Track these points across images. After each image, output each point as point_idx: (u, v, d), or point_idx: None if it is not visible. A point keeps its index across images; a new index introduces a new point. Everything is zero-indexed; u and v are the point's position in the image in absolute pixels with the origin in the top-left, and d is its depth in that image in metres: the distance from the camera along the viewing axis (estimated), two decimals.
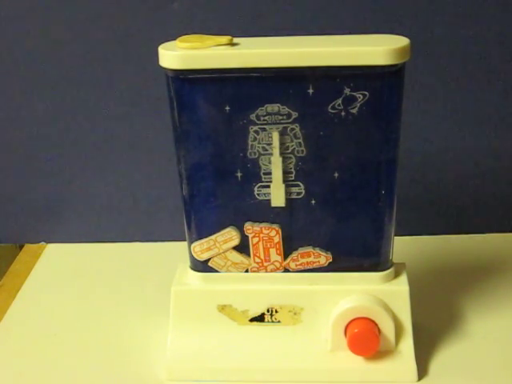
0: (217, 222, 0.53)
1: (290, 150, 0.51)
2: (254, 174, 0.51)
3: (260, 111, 0.49)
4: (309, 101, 0.49)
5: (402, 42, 0.48)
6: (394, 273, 0.54)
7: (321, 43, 0.49)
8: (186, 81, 0.49)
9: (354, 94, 0.49)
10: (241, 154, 0.51)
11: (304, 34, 0.51)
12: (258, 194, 0.52)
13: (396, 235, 0.54)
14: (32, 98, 0.70)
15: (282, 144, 0.50)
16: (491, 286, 0.64)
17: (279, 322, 0.55)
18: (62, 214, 0.74)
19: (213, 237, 0.53)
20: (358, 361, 0.53)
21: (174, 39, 0.50)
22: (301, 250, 0.53)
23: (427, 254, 0.70)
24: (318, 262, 0.54)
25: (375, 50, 0.47)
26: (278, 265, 0.54)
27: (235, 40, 0.50)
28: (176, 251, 0.62)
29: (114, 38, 0.67)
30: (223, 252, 0.54)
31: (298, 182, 0.51)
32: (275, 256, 0.54)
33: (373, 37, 0.50)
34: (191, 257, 0.55)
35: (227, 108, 0.50)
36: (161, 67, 0.49)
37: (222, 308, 0.55)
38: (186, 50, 0.48)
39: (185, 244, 0.55)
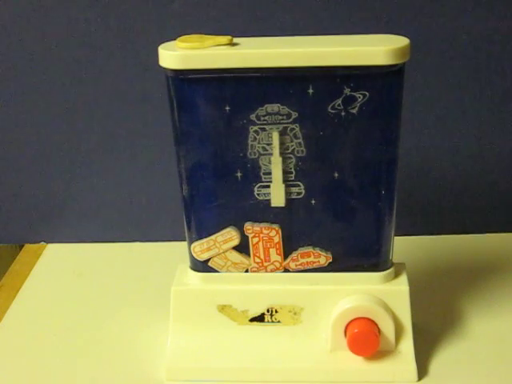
0: (217, 222, 0.53)
1: (289, 150, 0.51)
2: (254, 174, 0.51)
3: (260, 111, 0.49)
4: (309, 101, 0.49)
5: (402, 42, 0.48)
6: (394, 273, 0.54)
7: (321, 43, 0.49)
8: (186, 81, 0.49)
9: (354, 94, 0.49)
10: (241, 154, 0.51)
11: (304, 34, 0.51)
12: (258, 194, 0.52)
13: (396, 235, 0.54)
14: (32, 98, 0.70)
15: (281, 144, 0.50)
16: (491, 286, 0.64)
17: (279, 322, 0.55)
18: (62, 214, 0.74)
19: (213, 237, 0.53)
20: (358, 361, 0.53)
21: (174, 39, 0.50)
22: (301, 250, 0.53)
23: (427, 254, 0.70)
24: (318, 262, 0.54)
25: (375, 50, 0.47)
26: (277, 265, 0.54)
27: (235, 40, 0.50)
28: (176, 251, 0.62)
29: (114, 38, 0.67)
30: (223, 252, 0.54)
31: (298, 182, 0.51)
32: (275, 256, 0.54)
33: (373, 37, 0.50)
34: (191, 257, 0.55)
35: (227, 108, 0.50)
36: (161, 67, 0.49)
37: (222, 308, 0.55)
38: (186, 50, 0.48)
39: (185, 244, 0.55)
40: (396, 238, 0.54)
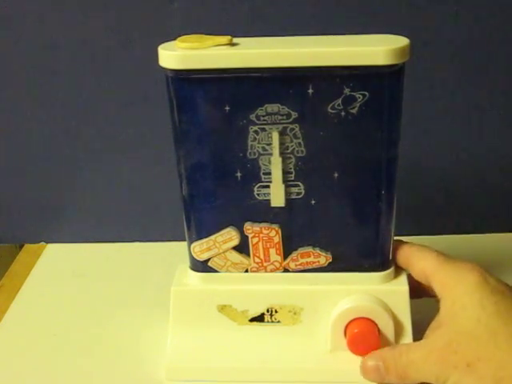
0: (216, 222, 0.53)
1: (289, 150, 0.51)
2: (254, 174, 0.51)
3: (260, 111, 0.49)
4: (309, 101, 0.49)
5: (401, 42, 0.48)
6: (394, 273, 0.54)
7: (321, 43, 0.49)
8: (186, 81, 0.49)
9: (354, 94, 0.49)
10: (240, 154, 0.51)
11: (304, 34, 0.51)
12: (258, 194, 0.52)
13: (396, 235, 0.54)
14: (32, 98, 0.70)
15: (281, 144, 0.50)
16: None
17: (279, 321, 0.55)
18: (62, 214, 0.74)
19: (212, 237, 0.53)
20: (358, 361, 0.52)
21: (174, 39, 0.50)
22: (300, 250, 0.53)
23: None
24: (318, 262, 0.54)
25: (375, 50, 0.47)
26: (277, 265, 0.54)
27: (235, 40, 0.50)
28: (176, 251, 0.62)
29: (114, 38, 0.67)
30: (223, 252, 0.54)
31: (298, 182, 0.51)
32: (275, 256, 0.54)
33: (373, 37, 0.50)
34: (191, 257, 0.55)
35: (227, 108, 0.50)
36: (161, 67, 0.49)
37: (222, 308, 0.55)
38: (186, 50, 0.48)
39: (185, 244, 0.55)
40: (396, 238, 0.54)
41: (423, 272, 0.52)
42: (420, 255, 0.53)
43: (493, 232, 0.73)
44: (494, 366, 0.45)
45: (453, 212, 0.73)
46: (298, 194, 0.52)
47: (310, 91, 0.49)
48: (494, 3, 0.66)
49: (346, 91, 0.49)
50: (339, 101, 0.49)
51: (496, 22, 0.66)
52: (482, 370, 0.45)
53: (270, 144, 0.50)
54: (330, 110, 0.49)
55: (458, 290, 0.49)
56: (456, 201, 0.73)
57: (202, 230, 0.54)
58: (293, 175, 0.51)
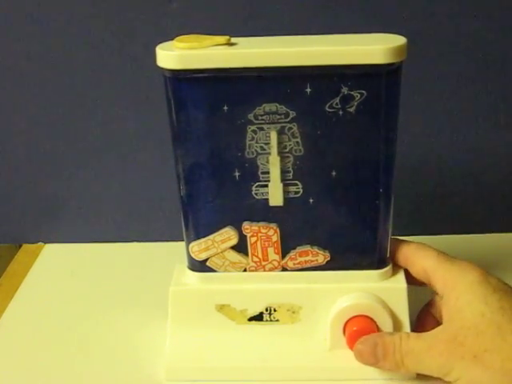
0: (215, 222, 0.53)
1: (287, 149, 0.51)
2: (252, 173, 0.51)
3: (258, 110, 0.49)
4: (306, 100, 0.49)
5: (398, 41, 0.48)
6: (392, 271, 0.55)
7: (318, 42, 0.49)
8: (184, 81, 0.49)
9: (352, 92, 0.49)
10: (239, 154, 0.51)
11: (302, 33, 0.51)
12: (256, 194, 0.52)
13: (396, 235, 0.54)
14: (31, 98, 0.70)
15: (279, 143, 0.50)
16: None
17: (278, 320, 0.55)
18: (61, 214, 0.74)
19: (211, 236, 0.53)
20: None
21: (172, 39, 0.50)
22: (299, 249, 0.53)
23: None
24: (316, 260, 0.54)
25: (373, 48, 0.47)
26: (276, 264, 0.54)
27: (233, 40, 0.50)
28: (175, 251, 0.62)
29: (113, 38, 0.67)
30: (221, 252, 0.54)
31: (296, 181, 0.51)
32: (273, 255, 0.54)
33: (370, 36, 0.50)
34: (189, 257, 0.55)
35: (225, 108, 0.49)
36: (158, 67, 0.49)
37: (221, 308, 0.55)
38: (184, 50, 0.48)
39: (183, 244, 0.55)
40: (395, 237, 0.54)
41: (423, 270, 0.52)
42: (420, 254, 0.53)
43: (493, 232, 0.73)
44: (502, 358, 0.45)
45: (453, 212, 0.73)
46: (296, 192, 0.52)
47: (308, 90, 0.49)
48: (494, 3, 0.66)
49: (344, 90, 0.49)
50: (337, 100, 0.49)
51: (496, 22, 0.66)
52: (490, 361, 0.45)
53: (268, 143, 0.50)
54: (327, 109, 0.49)
55: (461, 287, 0.49)
56: (456, 201, 0.73)
57: (200, 229, 0.54)
58: (291, 174, 0.51)
